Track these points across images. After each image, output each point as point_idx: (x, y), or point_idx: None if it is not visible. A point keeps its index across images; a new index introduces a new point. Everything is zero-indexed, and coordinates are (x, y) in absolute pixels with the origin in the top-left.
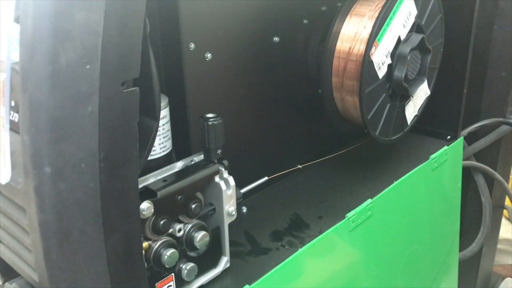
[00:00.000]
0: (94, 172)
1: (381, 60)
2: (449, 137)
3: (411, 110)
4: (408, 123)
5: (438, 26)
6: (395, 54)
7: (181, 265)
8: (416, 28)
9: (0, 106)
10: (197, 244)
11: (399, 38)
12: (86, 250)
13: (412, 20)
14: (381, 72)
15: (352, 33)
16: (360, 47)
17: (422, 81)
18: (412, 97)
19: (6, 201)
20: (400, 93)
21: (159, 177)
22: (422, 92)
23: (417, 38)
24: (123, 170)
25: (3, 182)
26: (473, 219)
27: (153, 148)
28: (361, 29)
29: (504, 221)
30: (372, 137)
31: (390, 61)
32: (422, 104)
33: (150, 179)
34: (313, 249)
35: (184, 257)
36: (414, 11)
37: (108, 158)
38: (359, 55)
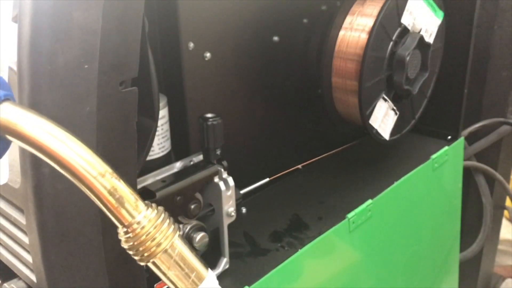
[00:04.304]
0: None
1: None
2: (449, 137)
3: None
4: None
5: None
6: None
7: None
8: None
9: None
10: (196, 245)
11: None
12: (85, 250)
13: None
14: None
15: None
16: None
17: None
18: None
19: (4, 202)
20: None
21: (158, 178)
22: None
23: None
24: (122, 171)
25: (1, 182)
26: (474, 220)
27: (151, 149)
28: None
29: (504, 222)
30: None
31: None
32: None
33: (149, 180)
34: (313, 250)
35: None
36: None
37: (106, 159)
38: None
